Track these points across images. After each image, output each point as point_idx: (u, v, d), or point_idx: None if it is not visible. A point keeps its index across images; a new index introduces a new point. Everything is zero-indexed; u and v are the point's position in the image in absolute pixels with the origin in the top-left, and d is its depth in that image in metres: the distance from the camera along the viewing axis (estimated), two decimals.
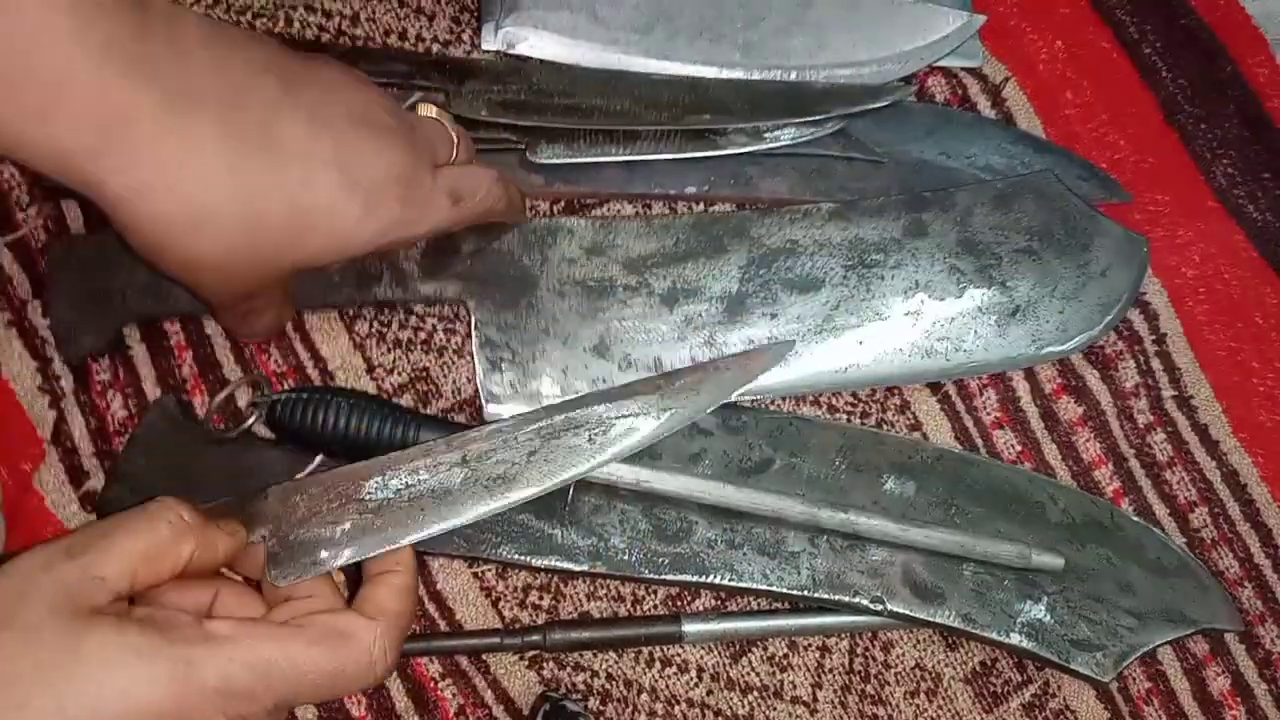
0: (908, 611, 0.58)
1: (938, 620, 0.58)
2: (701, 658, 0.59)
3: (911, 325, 0.63)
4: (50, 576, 0.38)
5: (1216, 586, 0.61)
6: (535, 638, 0.57)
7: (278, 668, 0.39)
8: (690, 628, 0.58)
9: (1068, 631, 0.59)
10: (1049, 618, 0.59)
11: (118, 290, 0.59)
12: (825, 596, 0.58)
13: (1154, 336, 0.66)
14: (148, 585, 0.40)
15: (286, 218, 0.44)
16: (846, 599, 0.58)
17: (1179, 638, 0.60)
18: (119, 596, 0.39)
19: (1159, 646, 0.60)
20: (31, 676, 0.36)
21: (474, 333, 0.60)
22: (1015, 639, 0.58)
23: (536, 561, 0.57)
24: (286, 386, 0.60)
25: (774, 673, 0.59)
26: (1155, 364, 0.66)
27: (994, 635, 0.58)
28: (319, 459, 0.57)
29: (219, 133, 0.41)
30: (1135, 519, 0.62)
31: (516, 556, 0.57)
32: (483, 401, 0.60)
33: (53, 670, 0.36)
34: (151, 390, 0.60)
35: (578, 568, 0.57)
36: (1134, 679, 0.61)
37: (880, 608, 0.58)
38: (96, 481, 0.58)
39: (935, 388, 0.64)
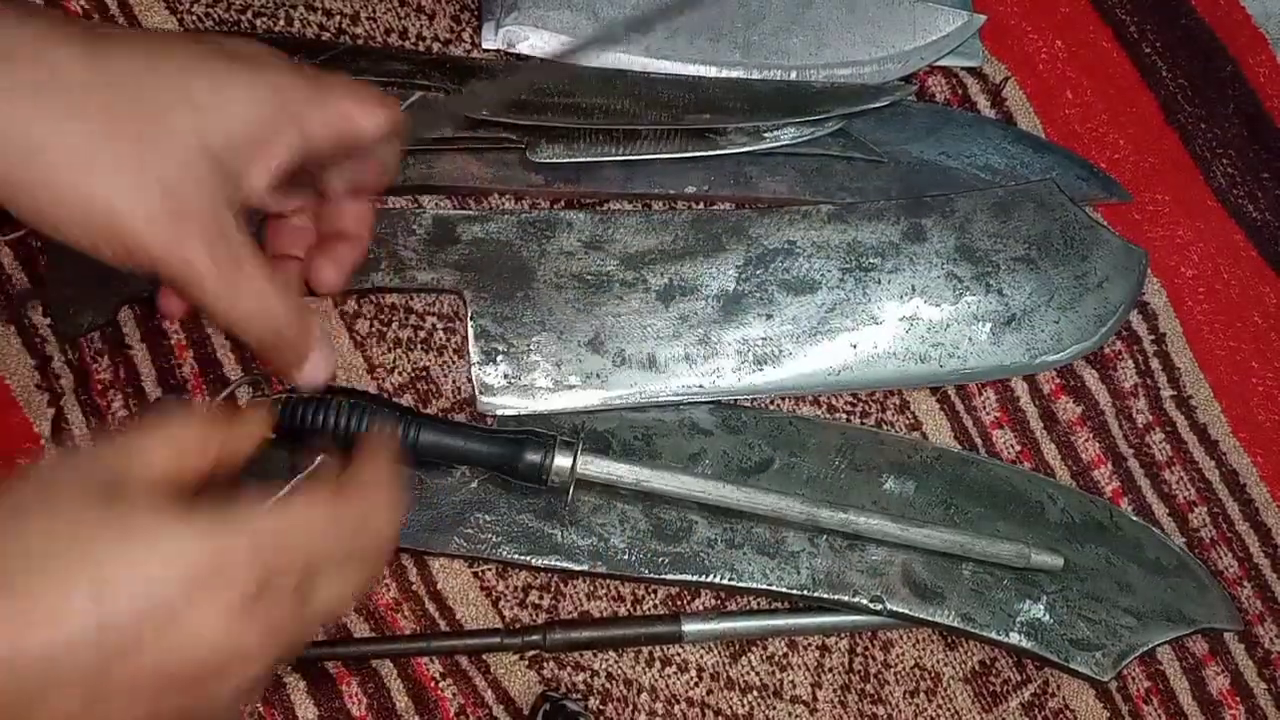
0: (907, 611, 0.58)
1: (937, 620, 0.58)
2: (701, 657, 0.59)
3: (906, 330, 0.63)
4: (83, 466, 0.40)
5: (1216, 586, 0.61)
6: (535, 637, 0.57)
7: (306, 525, 0.40)
8: (690, 627, 0.58)
9: (1067, 631, 0.59)
10: (1048, 617, 0.59)
11: (115, 269, 0.59)
12: (825, 596, 0.58)
13: (1153, 336, 0.66)
14: (178, 475, 0.41)
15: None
16: (846, 599, 0.58)
17: (1178, 637, 0.60)
18: (150, 483, 0.40)
19: (1158, 646, 0.60)
20: (70, 552, 0.36)
21: (469, 324, 0.60)
22: (1014, 638, 0.58)
23: (536, 561, 0.57)
24: (287, 386, 0.60)
25: (774, 672, 0.59)
26: (1154, 364, 0.66)
27: (993, 635, 0.58)
28: (320, 459, 0.57)
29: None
30: (1134, 519, 0.62)
31: (517, 556, 0.57)
32: (476, 393, 0.60)
33: (92, 545, 0.37)
34: (152, 389, 0.60)
35: (578, 567, 0.57)
36: (1133, 678, 0.61)
37: (880, 607, 0.58)
38: None
39: (934, 388, 0.64)
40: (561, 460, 0.55)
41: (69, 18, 0.54)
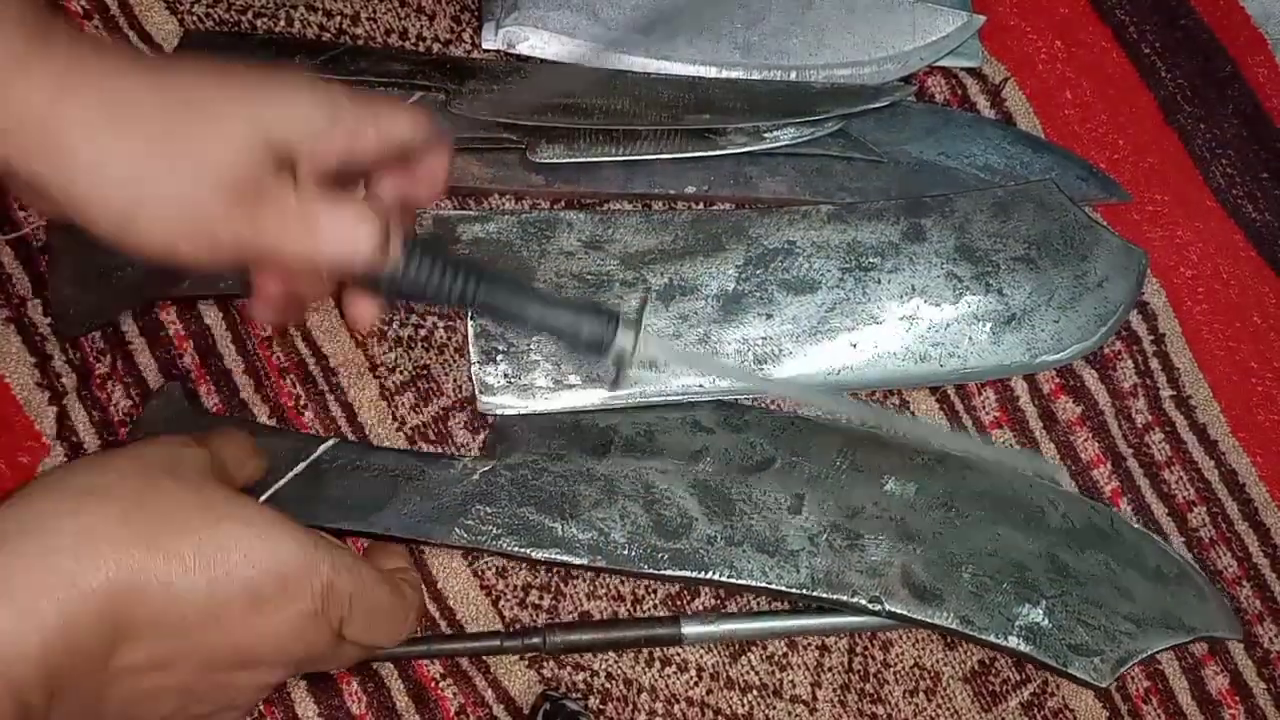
0: (906, 612, 0.58)
1: (936, 622, 0.58)
2: (701, 657, 0.59)
3: (906, 330, 0.63)
4: (195, 453, 0.46)
5: (1217, 596, 0.61)
6: (535, 640, 0.57)
7: (364, 587, 0.46)
8: (690, 629, 0.58)
9: (1066, 636, 0.59)
10: (1047, 621, 0.59)
11: (117, 267, 0.59)
12: (824, 595, 0.58)
13: (1152, 337, 0.66)
14: None
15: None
16: (845, 598, 0.58)
17: (1178, 645, 0.60)
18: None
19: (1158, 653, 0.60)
20: (198, 522, 0.42)
21: (470, 323, 0.60)
22: (1013, 642, 0.58)
23: (537, 554, 0.57)
24: (289, 379, 0.60)
25: (773, 672, 0.59)
26: (1154, 364, 0.66)
27: (992, 638, 0.58)
28: (331, 441, 0.57)
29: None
30: (1135, 526, 0.62)
31: (517, 549, 0.57)
32: (476, 392, 0.60)
33: (219, 522, 0.42)
34: (154, 380, 0.60)
35: (577, 561, 0.57)
36: (1133, 678, 0.61)
37: (878, 608, 0.58)
38: None
39: (934, 388, 0.64)
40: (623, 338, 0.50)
41: (137, 52, 0.60)
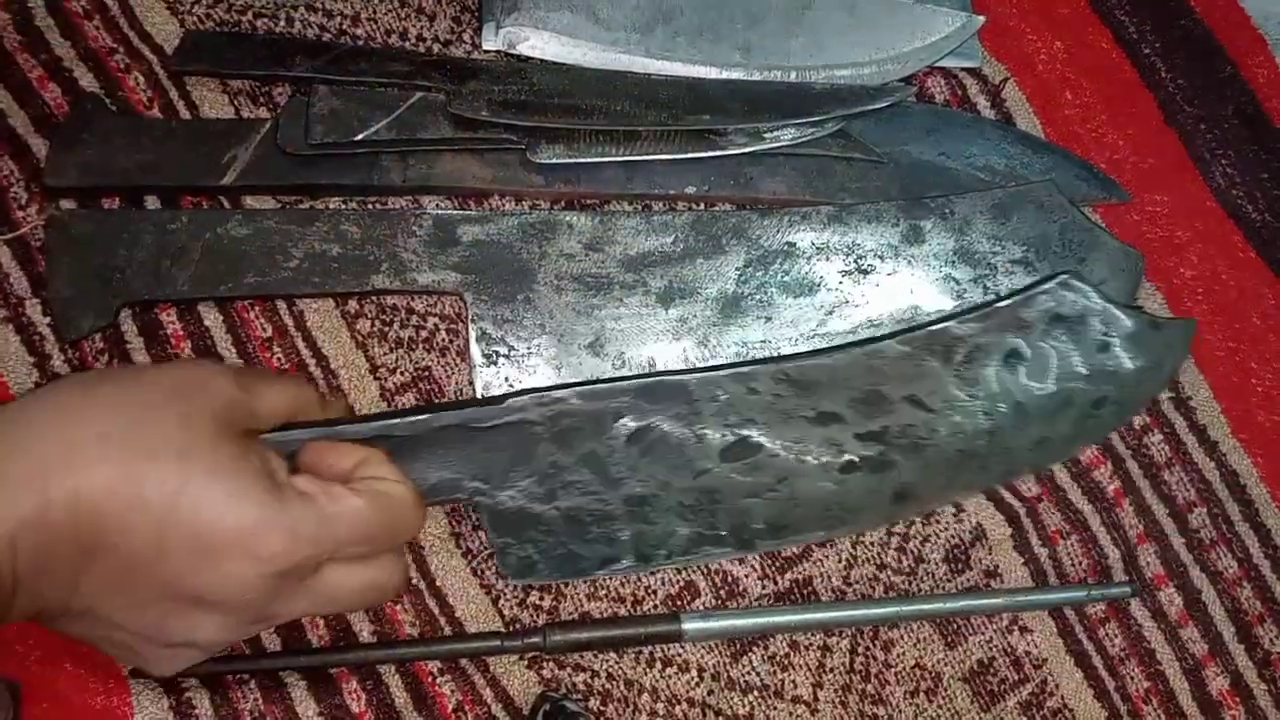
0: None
1: None
2: (702, 657, 0.59)
3: None
4: (221, 389, 0.47)
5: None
6: (535, 639, 0.57)
7: (336, 541, 0.46)
8: (690, 625, 0.58)
9: None
10: None
11: (116, 269, 0.59)
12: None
13: None
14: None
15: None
16: None
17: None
18: (255, 432, 0.48)
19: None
20: (158, 456, 0.43)
21: (470, 326, 0.60)
22: None
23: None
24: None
25: (775, 672, 0.59)
26: None
27: None
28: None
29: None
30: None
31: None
32: (478, 394, 0.60)
33: (177, 455, 0.43)
34: None
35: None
36: (1132, 678, 0.61)
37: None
38: None
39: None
40: None
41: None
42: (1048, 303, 0.61)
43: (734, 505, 0.59)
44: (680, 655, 0.59)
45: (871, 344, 0.60)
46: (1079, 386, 0.61)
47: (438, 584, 0.59)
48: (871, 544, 0.61)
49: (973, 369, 0.60)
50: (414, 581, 0.58)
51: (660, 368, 0.61)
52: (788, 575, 0.60)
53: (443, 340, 0.62)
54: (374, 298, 0.62)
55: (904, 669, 0.60)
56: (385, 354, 0.61)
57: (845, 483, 0.59)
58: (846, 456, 0.59)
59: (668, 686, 0.59)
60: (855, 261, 0.63)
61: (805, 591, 0.60)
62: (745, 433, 0.59)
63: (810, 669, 0.59)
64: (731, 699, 0.59)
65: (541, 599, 0.59)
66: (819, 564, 0.61)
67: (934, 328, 0.60)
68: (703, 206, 0.65)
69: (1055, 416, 0.61)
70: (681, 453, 0.58)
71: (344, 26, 0.66)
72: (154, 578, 0.43)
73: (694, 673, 0.59)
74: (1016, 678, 0.61)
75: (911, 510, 0.61)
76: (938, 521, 0.62)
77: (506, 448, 0.56)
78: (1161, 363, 0.63)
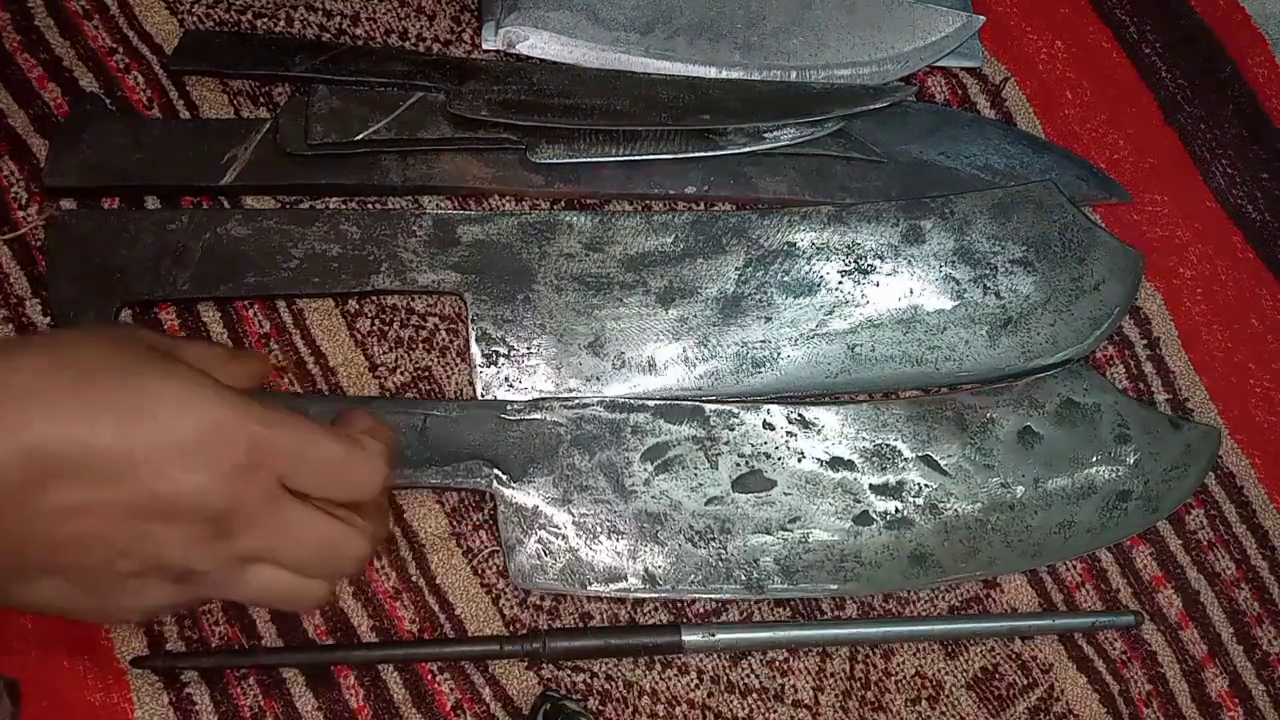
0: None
1: None
2: (702, 660, 0.59)
3: (904, 334, 0.63)
4: (142, 334, 0.50)
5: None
6: (535, 645, 0.57)
7: (305, 442, 0.46)
8: (690, 637, 0.58)
9: None
10: None
11: (116, 269, 0.59)
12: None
13: (1145, 340, 0.66)
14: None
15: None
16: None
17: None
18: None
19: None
20: (103, 374, 0.43)
21: (471, 326, 0.60)
22: None
23: None
24: (287, 378, 0.60)
25: (774, 676, 0.59)
26: (1147, 367, 0.66)
27: None
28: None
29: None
30: None
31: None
32: (477, 394, 0.60)
33: (121, 369, 0.44)
34: None
35: None
36: (1134, 680, 0.61)
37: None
38: None
39: (925, 390, 0.64)
40: None
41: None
42: (1059, 387, 0.62)
43: (745, 540, 0.59)
44: (680, 657, 0.59)
45: (884, 403, 0.61)
46: (1100, 474, 0.61)
47: (438, 583, 0.59)
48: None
49: (988, 440, 0.61)
50: (414, 579, 0.58)
51: (660, 368, 0.61)
52: None
53: (443, 340, 0.62)
54: (374, 297, 0.62)
55: (904, 677, 0.60)
56: (385, 353, 0.61)
57: (860, 534, 0.60)
58: (861, 507, 0.60)
59: (667, 688, 0.59)
60: (855, 261, 0.63)
61: (807, 604, 0.60)
62: (758, 466, 0.60)
63: (810, 674, 0.59)
64: (731, 701, 0.59)
65: (542, 599, 0.59)
66: None
67: (945, 395, 0.62)
68: (703, 206, 0.65)
69: (1079, 502, 0.61)
70: (695, 475, 0.59)
71: (344, 26, 0.66)
72: (122, 495, 0.43)
73: (694, 675, 0.59)
74: (1024, 683, 0.61)
75: (933, 576, 0.60)
76: None
77: (530, 442, 0.58)
78: (1186, 465, 0.63)
